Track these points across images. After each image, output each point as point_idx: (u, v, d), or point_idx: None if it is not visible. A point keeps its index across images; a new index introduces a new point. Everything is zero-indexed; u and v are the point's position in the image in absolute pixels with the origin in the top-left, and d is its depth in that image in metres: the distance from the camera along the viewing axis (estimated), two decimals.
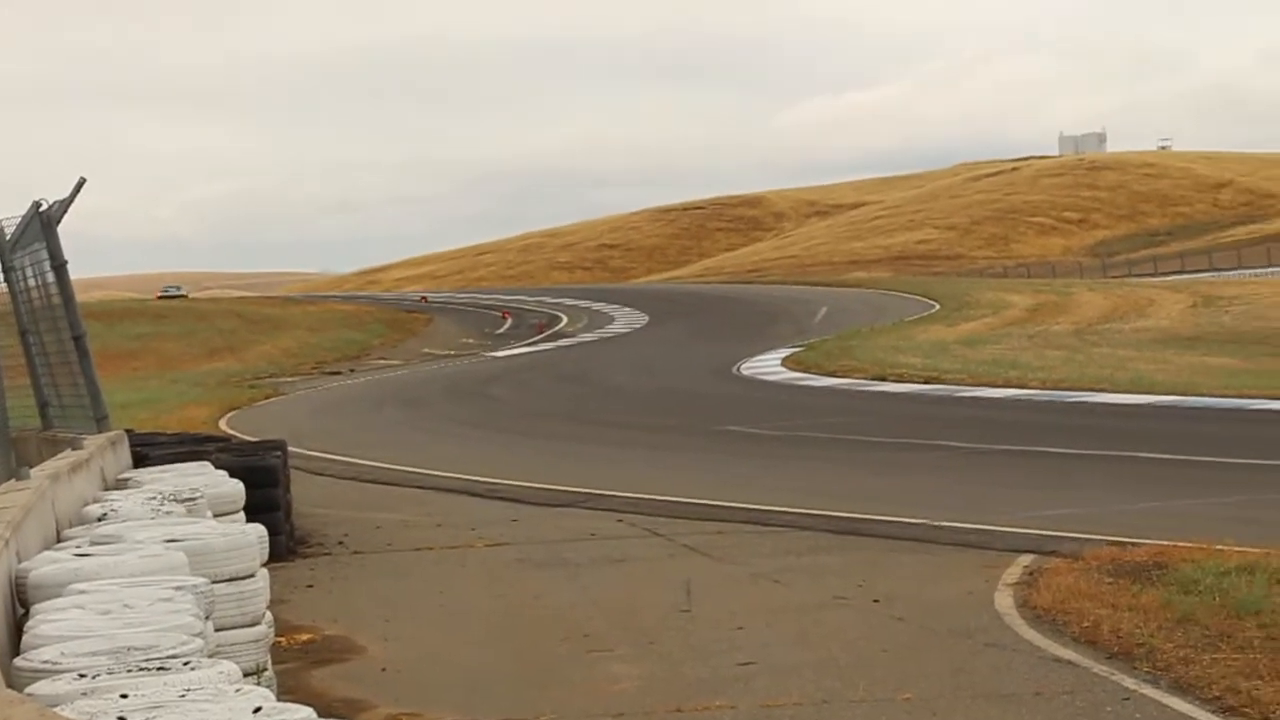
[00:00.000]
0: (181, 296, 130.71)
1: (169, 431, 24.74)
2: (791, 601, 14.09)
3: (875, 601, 13.78)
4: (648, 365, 53.52)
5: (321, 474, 26.39)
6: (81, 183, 17.11)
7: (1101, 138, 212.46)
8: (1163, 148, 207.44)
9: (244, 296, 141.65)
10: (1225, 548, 14.25)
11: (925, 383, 40.17)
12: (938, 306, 77.08)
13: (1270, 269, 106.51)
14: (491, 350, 70.06)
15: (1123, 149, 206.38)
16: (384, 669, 12.37)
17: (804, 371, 46.34)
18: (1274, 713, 9.62)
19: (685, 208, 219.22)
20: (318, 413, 41.85)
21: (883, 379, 41.86)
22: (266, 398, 48.26)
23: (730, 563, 16.21)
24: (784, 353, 53.97)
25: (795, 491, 21.02)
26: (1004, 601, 13.42)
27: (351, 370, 62.84)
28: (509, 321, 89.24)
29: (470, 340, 77.55)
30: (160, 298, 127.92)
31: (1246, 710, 9.75)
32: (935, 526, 17.52)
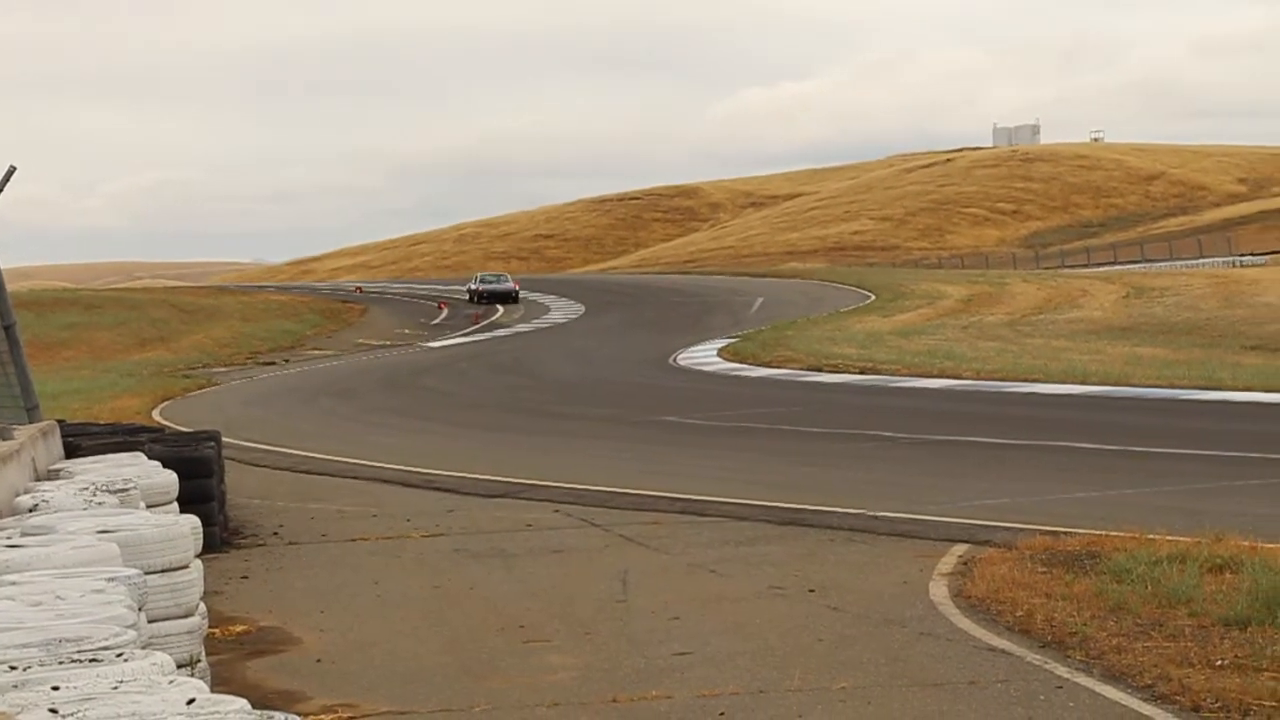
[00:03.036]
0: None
1: (101, 422, 24.56)
2: (728, 591, 14.11)
3: (811, 591, 13.81)
4: (584, 356, 53.52)
5: (256, 464, 26.26)
6: (11, 171, 16.96)
7: (1035, 129, 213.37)
8: (1095, 140, 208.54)
9: (177, 286, 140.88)
10: (1157, 537, 14.36)
11: (860, 373, 40.32)
12: (873, 297, 77.35)
13: (1201, 260, 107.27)
14: (427, 341, 69.86)
15: (1056, 141, 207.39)
16: (319, 660, 12.33)
17: (740, 362, 46.43)
18: (1205, 700, 9.69)
19: (621, 198, 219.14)
20: (252, 403, 41.65)
21: (818, 369, 41.98)
22: (200, 388, 47.97)
23: (666, 553, 16.22)
24: (720, 343, 54.06)
25: (732, 482, 21.06)
26: (939, 591, 13.48)
27: (286, 360, 62.55)
28: (445, 312, 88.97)
29: (406, 331, 77.28)
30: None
31: (1178, 698, 9.82)
32: (871, 516, 17.59)
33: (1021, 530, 15.80)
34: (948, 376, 38.14)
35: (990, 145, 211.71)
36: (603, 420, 32.31)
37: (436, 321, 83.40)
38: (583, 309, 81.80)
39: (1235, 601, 11.74)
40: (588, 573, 15.38)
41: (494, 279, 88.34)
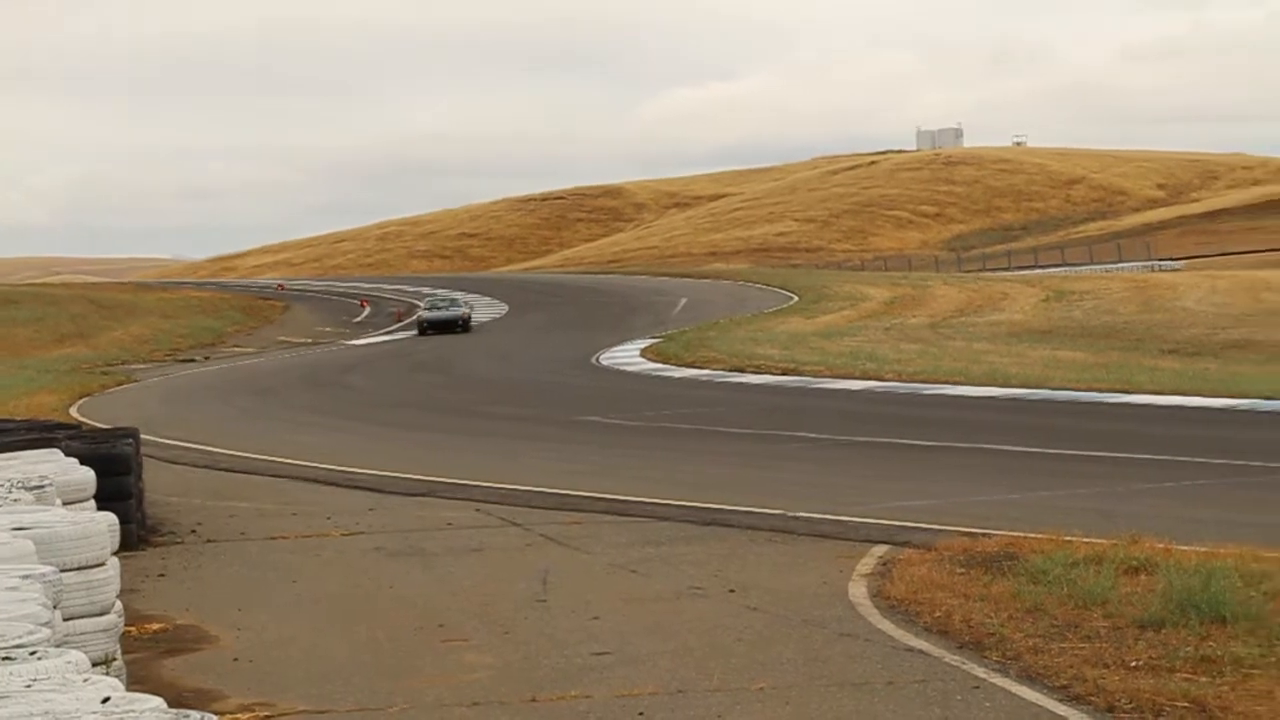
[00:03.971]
0: None
1: (17, 418, 24.35)
2: (648, 591, 14.12)
3: (731, 591, 13.84)
4: (507, 355, 53.44)
5: (175, 462, 26.10)
6: None
7: (958, 133, 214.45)
8: (1017, 144, 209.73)
9: (96, 282, 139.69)
10: (1074, 539, 14.46)
11: (783, 374, 40.42)
12: (796, 299, 77.55)
13: (1120, 265, 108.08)
14: (349, 339, 69.61)
15: (979, 144, 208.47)
16: (236, 659, 12.26)
17: (663, 362, 46.46)
18: (1119, 701, 9.77)
19: (545, 198, 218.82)
20: (171, 400, 41.38)
21: (741, 370, 42.05)
22: (119, 385, 47.64)
23: (587, 552, 16.22)
24: (643, 343, 54.08)
25: (653, 482, 21.07)
26: (858, 591, 13.53)
27: (206, 358, 62.18)
28: (367, 310, 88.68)
29: (327, 329, 77.00)
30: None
31: (1092, 698, 9.90)
32: (792, 517, 17.64)
33: (940, 532, 15.88)
34: (870, 378, 38.29)
35: (914, 148, 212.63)
36: (525, 420, 32.26)
37: (359, 319, 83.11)
38: (506, 308, 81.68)
39: (1150, 603, 11.83)
40: (508, 572, 15.36)
41: (444, 304, 72.88)
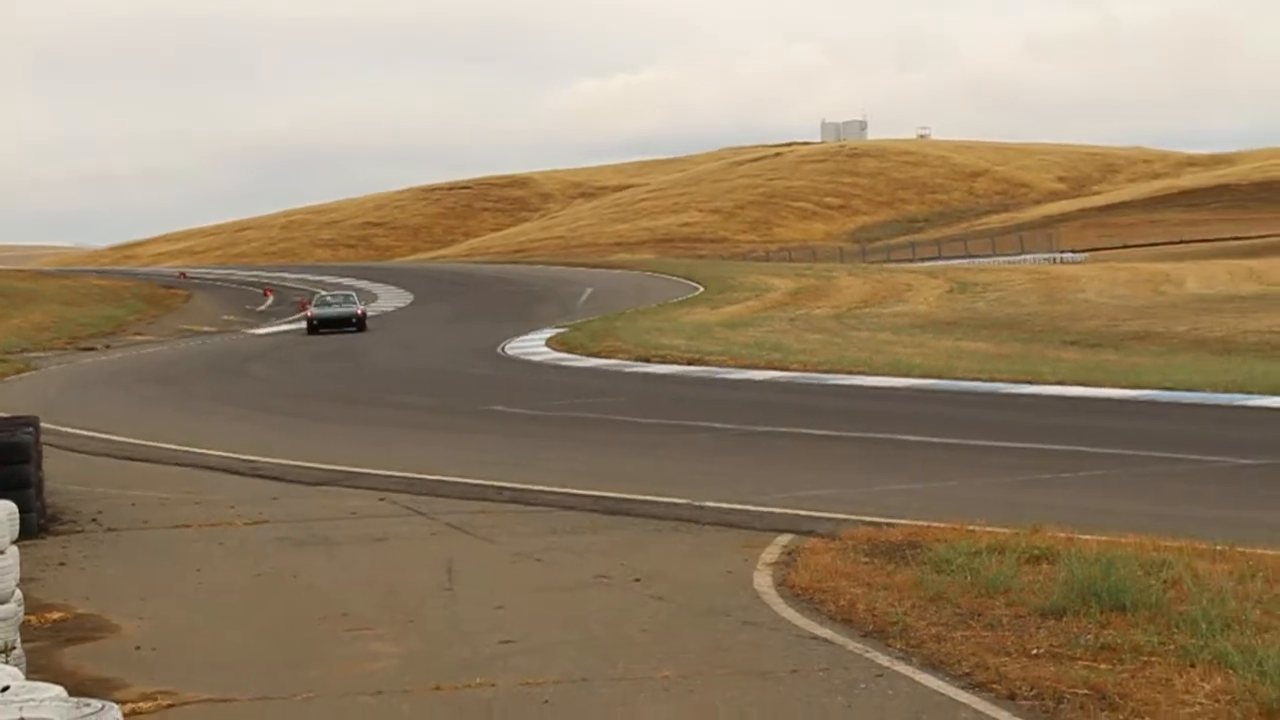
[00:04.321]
0: None
1: None
2: (553, 580, 14.12)
3: (636, 581, 13.85)
4: (412, 344, 53.26)
5: (76, 451, 25.85)
6: None
7: (863, 125, 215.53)
8: (921, 136, 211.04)
9: None
10: (977, 528, 14.56)
11: (688, 364, 40.50)
12: (701, 289, 77.70)
13: (1023, 256, 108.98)
14: (253, 327, 69.18)
15: (883, 137, 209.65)
16: (138, 647, 12.16)
17: (568, 352, 46.44)
18: (1020, 689, 9.85)
19: (451, 187, 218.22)
20: (72, 389, 40.97)
21: (646, 360, 42.10)
22: (18, 373, 47.11)
23: (493, 542, 16.19)
24: (548, 333, 54.04)
25: (559, 471, 21.05)
26: (763, 580, 13.57)
27: (107, 346, 61.61)
28: (271, 299, 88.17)
29: (231, 317, 76.50)
30: None
31: (994, 686, 9.98)
32: (697, 506, 17.67)
33: (845, 521, 15.96)
34: (774, 368, 38.40)
35: (818, 140, 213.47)
36: (429, 409, 32.17)
37: (262, 308, 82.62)
38: (411, 298, 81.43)
39: (1051, 592, 11.94)
40: (413, 561, 15.32)
41: (336, 300, 67.49)
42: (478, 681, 10.64)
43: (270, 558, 15.87)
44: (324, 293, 71.87)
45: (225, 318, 76.36)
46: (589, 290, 79.93)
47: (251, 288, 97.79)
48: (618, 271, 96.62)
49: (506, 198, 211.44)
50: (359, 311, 64.27)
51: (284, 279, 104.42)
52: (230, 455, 24.15)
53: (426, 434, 27.22)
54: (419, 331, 59.79)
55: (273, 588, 14.40)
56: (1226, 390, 29.39)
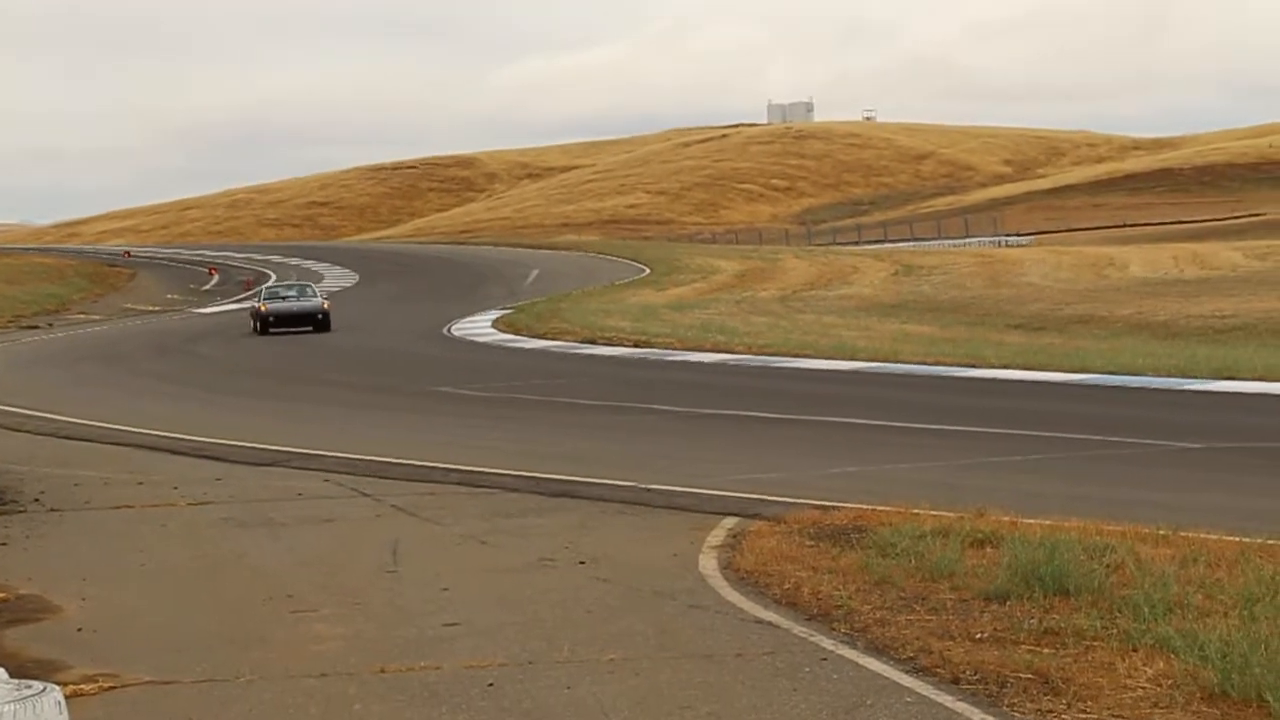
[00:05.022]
0: None
1: None
2: (499, 563, 14.10)
3: (582, 563, 13.85)
4: (357, 325, 53.09)
5: (18, 430, 25.70)
6: None
7: (809, 107, 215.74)
8: (867, 119, 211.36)
9: None
10: (922, 512, 14.60)
11: (635, 346, 40.51)
12: (648, 271, 77.72)
13: (968, 239, 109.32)
14: (198, 307, 68.87)
15: (830, 119, 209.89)
16: (80, 629, 12.10)
17: (514, 333, 46.40)
18: (964, 673, 9.89)
19: (397, 167, 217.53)
20: (15, 367, 40.71)
21: (593, 342, 42.09)
22: None
23: (438, 524, 16.17)
24: (495, 314, 53.98)
25: (505, 453, 21.04)
26: (708, 564, 13.58)
27: (50, 325, 61.25)
28: (216, 278, 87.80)
29: (175, 296, 76.16)
30: None
31: (938, 670, 10.01)
32: (643, 489, 17.68)
33: (791, 504, 15.98)
34: (720, 351, 38.44)
35: (765, 122, 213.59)
36: (375, 390, 32.09)
37: (208, 287, 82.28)
38: (357, 278, 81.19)
39: (995, 576, 11.99)
40: (358, 543, 15.28)
41: (290, 292, 55.45)
42: (423, 664, 10.63)
43: (214, 539, 15.80)
44: (275, 281, 60.16)
45: (170, 297, 76.02)
46: (535, 271, 79.83)
47: (196, 267, 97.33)
48: (564, 253, 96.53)
49: (453, 178, 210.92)
50: (324, 306, 52.68)
51: (229, 258, 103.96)
52: (174, 435, 24.03)
53: (372, 415, 27.15)
54: (365, 312, 59.61)
55: (216, 569, 14.35)
56: (1169, 374, 29.56)
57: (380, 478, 19.20)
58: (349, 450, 21.53)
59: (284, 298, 53.95)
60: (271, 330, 50.71)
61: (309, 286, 57.36)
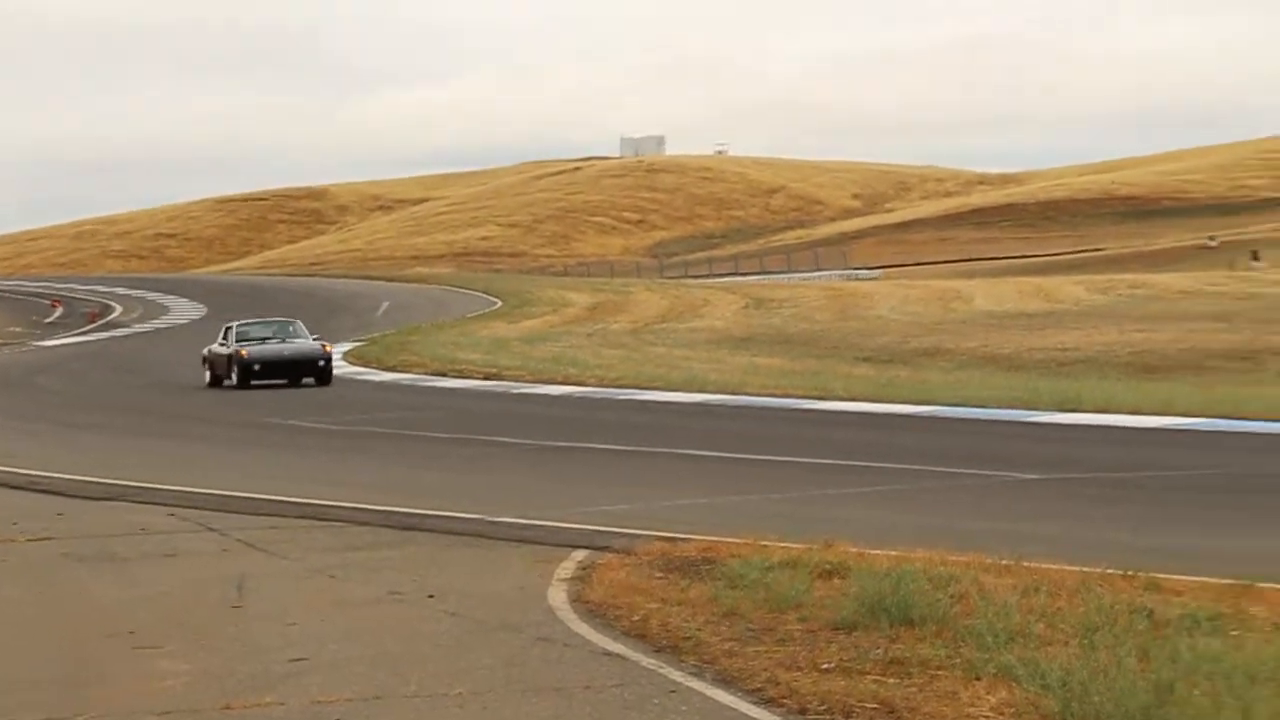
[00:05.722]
0: None
1: None
2: (346, 597, 13.99)
3: (430, 597, 13.77)
4: None
5: None
6: None
7: (661, 141, 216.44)
8: (719, 152, 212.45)
9: None
10: (770, 543, 14.66)
11: (486, 379, 40.42)
12: (499, 303, 77.60)
13: (818, 273, 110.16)
14: (40, 339, 67.83)
15: (682, 153, 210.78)
16: None
17: (365, 366, 46.14)
18: (811, 703, 9.93)
19: (246, 198, 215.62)
20: None
21: (443, 374, 41.95)
22: None
23: (285, 558, 16.01)
24: (345, 347, 53.64)
25: (354, 486, 20.90)
26: (557, 596, 13.56)
27: None
28: (59, 310, 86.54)
29: (17, 329, 74.92)
30: None
31: (785, 701, 10.05)
32: (492, 522, 17.62)
33: (640, 536, 15.99)
34: (571, 383, 38.47)
35: (618, 156, 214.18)
36: (223, 423, 31.78)
37: (50, 319, 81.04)
38: (205, 310, 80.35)
39: (842, 606, 12.06)
40: (203, 577, 15.09)
41: (268, 332, 43.21)
42: (268, 700, 10.51)
43: (55, 575, 15.55)
44: (244, 320, 45.53)
45: (11, 329, 74.80)
46: (386, 304, 79.43)
47: (39, 299, 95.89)
48: (415, 285, 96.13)
49: (303, 210, 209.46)
50: (324, 350, 41.67)
51: (73, 290, 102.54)
52: (13, 470, 23.62)
53: (220, 448, 26.88)
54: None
55: (57, 605, 14.12)
56: (1013, 406, 29.96)
57: (227, 512, 18.97)
58: (196, 484, 21.27)
59: (264, 339, 42.21)
60: (254, 383, 40.26)
61: (292, 324, 44.57)
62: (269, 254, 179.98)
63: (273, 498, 19.89)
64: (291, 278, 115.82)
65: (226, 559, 16.05)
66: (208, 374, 41.87)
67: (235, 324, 43.38)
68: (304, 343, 42.02)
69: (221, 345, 42.05)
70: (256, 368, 40.43)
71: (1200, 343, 48.70)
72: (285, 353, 41.18)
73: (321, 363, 40.77)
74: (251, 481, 21.45)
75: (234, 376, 40.51)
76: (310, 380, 40.40)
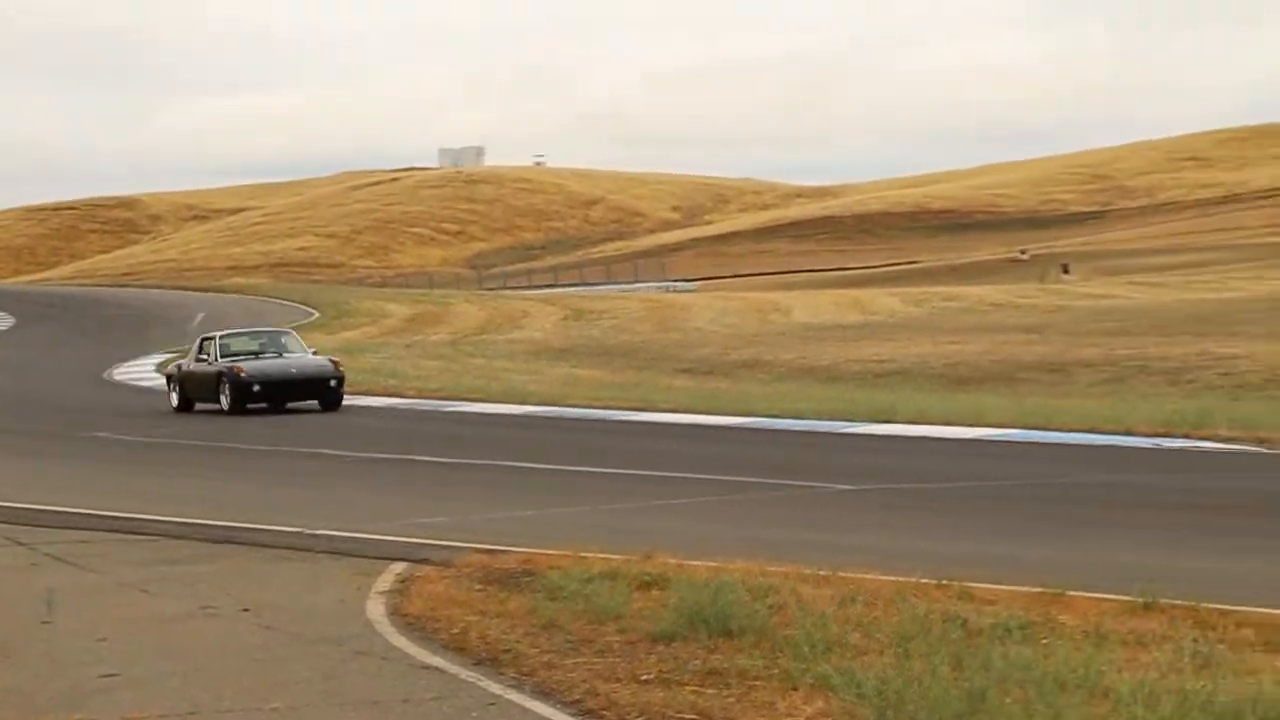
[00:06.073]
0: None
1: None
2: (159, 611, 13.77)
3: (245, 611, 13.60)
4: (13, 369, 51.58)
5: None
6: None
7: (480, 152, 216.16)
8: (538, 164, 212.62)
9: None
10: (590, 555, 14.66)
11: None
12: (317, 314, 77.00)
13: (637, 285, 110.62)
14: None
15: (501, 164, 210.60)
16: None
17: None
18: (629, 714, 9.94)
19: (56, 207, 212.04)
20: None
21: None
22: None
23: (96, 572, 15.73)
24: (159, 358, 52.86)
25: (167, 499, 20.60)
26: (375, 609, 13.46)
27: None
28: None
29: None
30: None
31: (604, 712, 10.05)
32: (310, 535, 17.44)
33: (459, 549, 15.91)
34: (391, 395, 38.25)
35: (437, 166, 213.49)
36: (30, 435, 31.21)
37: None
38: (13, 320, 78.83)
39: (662, 617, 12.09)
40: (9, 592, 14.78)
41: (260, 343, 37.19)
42: (79, 717, 10.31)
43: None
44: (225, 330, 39.68)
45: None
46: (202, 314, 78.29)
47: None
48: (232, 296, 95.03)
49: (115, 219, 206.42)
50: (335, 368, 35.63)
51: None
52: None
53: (28, 461, 26.38)
54: (22, 356, 57.91)
55: None
56: (830, 417, 30.26)
57: (35, 525, 18.60)
58: (2, 498, 20.84)
59: (256, 354, 36.21)
60: (250, 407, 34.52)
61: (284, 334, 39.17)
62: (81, 264, 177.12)
63: (84, 511, 19.52)
64: (103, 288, 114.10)
65: (35, 573, 15.73)
66: (174, 396, 36.27)
67: (217, 334, 37.06)
68: (308, 358, 36.35)
69: (201, 361, 35.84)
70: (256, 388, 34.72)
71: (1012, 354, 49.47)
72: (292, 370, 35.33)
73: (333, 383, 35.01)
74: (62, 494, 21.06)
75: (225, 399, 34.69)
76: (314, 403, 35.07)
